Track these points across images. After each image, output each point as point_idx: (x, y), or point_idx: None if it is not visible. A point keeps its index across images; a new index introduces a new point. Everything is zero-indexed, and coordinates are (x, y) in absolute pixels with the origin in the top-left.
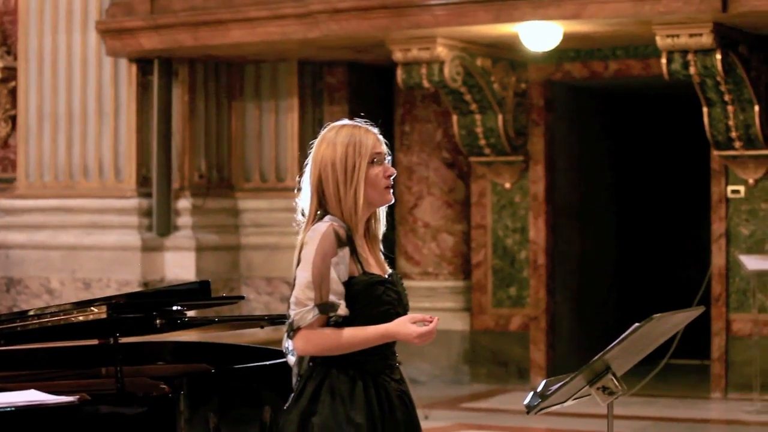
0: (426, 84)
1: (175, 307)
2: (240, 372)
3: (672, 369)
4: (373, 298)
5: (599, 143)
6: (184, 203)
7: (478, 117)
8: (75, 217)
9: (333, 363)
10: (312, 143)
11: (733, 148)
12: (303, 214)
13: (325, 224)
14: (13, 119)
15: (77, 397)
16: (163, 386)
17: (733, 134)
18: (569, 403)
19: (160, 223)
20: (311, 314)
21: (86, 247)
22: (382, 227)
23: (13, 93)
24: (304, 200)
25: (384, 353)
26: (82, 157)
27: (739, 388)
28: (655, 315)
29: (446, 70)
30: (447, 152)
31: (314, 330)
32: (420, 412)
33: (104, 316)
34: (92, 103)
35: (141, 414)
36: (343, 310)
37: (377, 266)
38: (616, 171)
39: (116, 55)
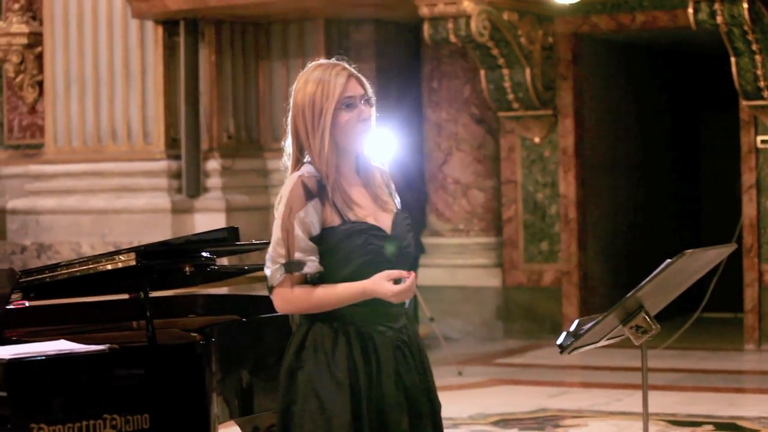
0: (453, 39)
1: (204, 254)
2: (271, 320)
3: (705, 322)
4: (354, 248)
5: (627, 95)
6: (213, 164)
7: (505, 72)
8: (104, 181)
9: (317, 316)
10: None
11: (761, 98)
12: (289, 157)
13: (295, 175)
14: (40, 84)
15: (107, 346)
16: (194, 335)
17: (762, 84)
18: (602, 343)
19: (190, 185)
20: (279, 273)
21: (116, 210)
22: (379, 162)
23: (39, 58)
24: (288, 143)
25: (375, 302)
26: (110, 121)
27: None
28: (687, 251)
29: (473, 25)
30: (475, 108)
31: (287, 288)
32: (454, 369)
33: (133, 263)
34: (119, 67)
35: (172, 362)
36: (311, 267)
37: (372, 208)
38: (645, 123)
39: (142, 17)
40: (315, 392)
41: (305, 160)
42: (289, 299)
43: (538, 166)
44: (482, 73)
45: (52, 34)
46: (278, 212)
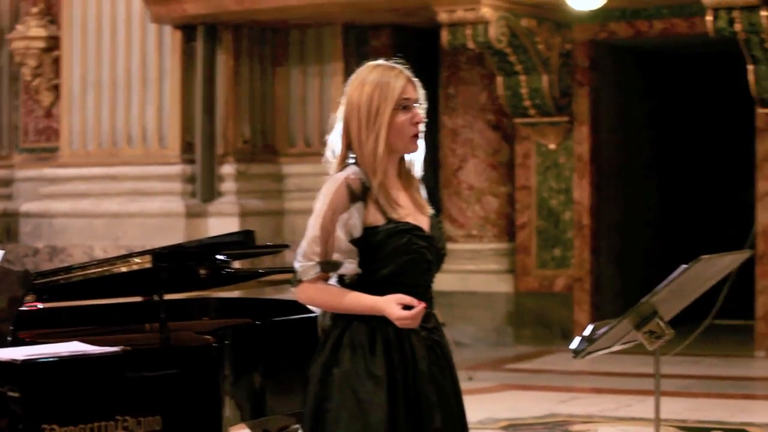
0: (471, 45)
1: (219, 257)
2: (284, 324)
3: (716, 329)
4: (397, 247)
5: (643, 103)
6: (227, 169)
7: (522, 78)
8: (118, 185)
9: (355, 315)
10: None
11: None
12: (334, 154)
13: (341, 176)
14: (57, 88)
15: (120, 347)
16: (208, 337)
17: None
18: (616, 347)
19: (204, 190)
20: (314, 270)
21: (130, 214)
22: (418, 167)
23: (56, 62)
24: (335, 140)
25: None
26: (126, 125)
27: None
28: (702, 256)
29: (491, 31)
30: (491, 114)
31: (317, 285)
32: (464, 374)
33: (148, 265)
34: (136, 71)
35: (185, 364)
36: (349, 268)
37: (412, 210)
38: (660, 131)
39: (160, 22)
40: (352, 389)
41: (350, 162)
42: (315, 295)
43: (552, 173)
44: (499, 79)
45: (69, 38)
46: (317, 210)
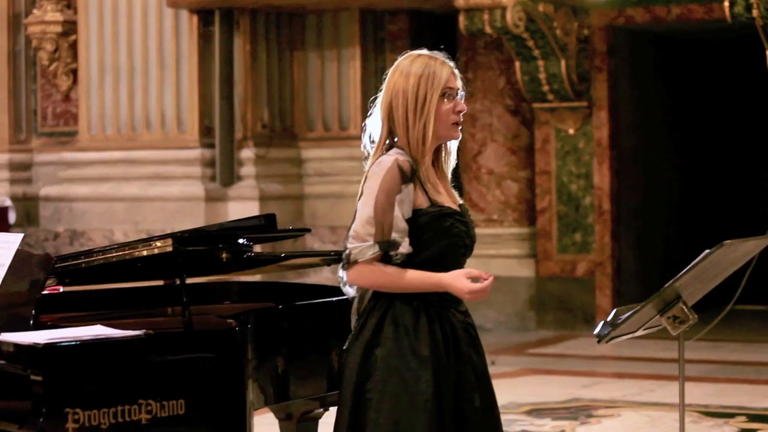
0: (488, 30)
1: (240, 241)
2: (307, 308)
3: (738, 314)
4: (441, 230)
5: (661, 89)
6: (247, 153)
7: (541, 63)
8: (138, 169)
9: (396, 295)
10: (386, 73)
11: None
12: (372, 141)
13: (390, 158)
14: (75, 72)
15: (143, 331)
16: (231, 321)
17: None
18: (640, 333)
19: (224, 174)
20: (371, 250)
21: (149, 198)
22: (452, 160)
23: (73, 46)
24: (374, 126)
25: None
26: (145, 109)
27: None
28: (725, 241)
29: (508, 16)
30: (510, 99)
31: (372, 265)
32: (487, 358)
33: (170, 249)
34: (153, 55)
35: (208, 348)
36: (405, 248)
37: (447, 197)
38: (679, 116)
39: (177, 6)
40: (396, 369)
41: (388, 145)
42: (371, 276)
43: (572, 158)
44: (517, 64)
45: (86, 22)
46: (369, 191)
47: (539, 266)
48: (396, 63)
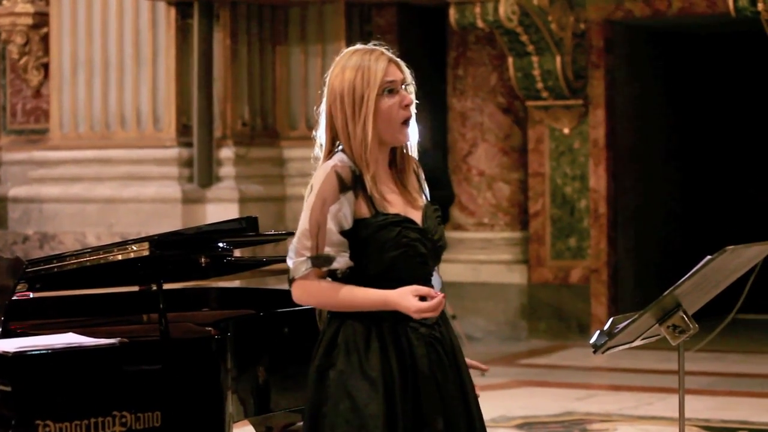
0: (480, 24)
1: (220, 245)
2: (289, 315)
3: (741, 324)
4: (386, 241)
5: (661, 86)
6: (226, 152)
7: (535, 59)
8: (112, 169)
9: (349, 313)
10: (327, 74)
11: None
12: (322, 149)
13: (329, 164)
14: (46, 67)
15: (118, 339)
16: (209, 329)
17: None
18: (637, 342)
19: (202, 174)
20: (304, 266)
21: (124, 199)
22: (412, 156)
23: (45, 39)
24: (321, 133)
25: None
26: (119, 106)
27: None
28: (728, 247)
29: (501, 10)
30: (502, 97)
31: (310, 281)
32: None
33: (146, 253)
34: (129, 49)
35: (186, 357)
36: (341, 262)
37: (402, 202)
38: (679, 115)
39: None
40: (347, 392)
41: (337, 149)
42: (311, 292)
43: (567, 159)
44: (510, 60)
45: (58, 14)
46: (308, 202)
47: (532, 272)
48: (335, 61)
